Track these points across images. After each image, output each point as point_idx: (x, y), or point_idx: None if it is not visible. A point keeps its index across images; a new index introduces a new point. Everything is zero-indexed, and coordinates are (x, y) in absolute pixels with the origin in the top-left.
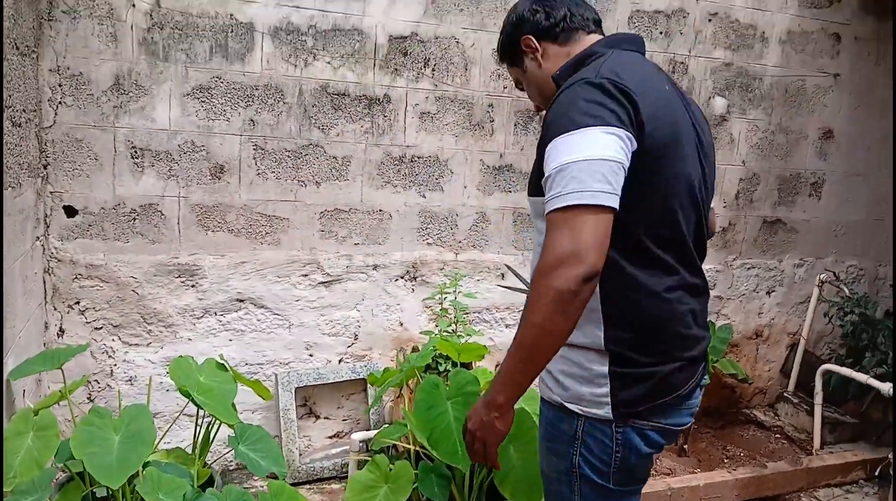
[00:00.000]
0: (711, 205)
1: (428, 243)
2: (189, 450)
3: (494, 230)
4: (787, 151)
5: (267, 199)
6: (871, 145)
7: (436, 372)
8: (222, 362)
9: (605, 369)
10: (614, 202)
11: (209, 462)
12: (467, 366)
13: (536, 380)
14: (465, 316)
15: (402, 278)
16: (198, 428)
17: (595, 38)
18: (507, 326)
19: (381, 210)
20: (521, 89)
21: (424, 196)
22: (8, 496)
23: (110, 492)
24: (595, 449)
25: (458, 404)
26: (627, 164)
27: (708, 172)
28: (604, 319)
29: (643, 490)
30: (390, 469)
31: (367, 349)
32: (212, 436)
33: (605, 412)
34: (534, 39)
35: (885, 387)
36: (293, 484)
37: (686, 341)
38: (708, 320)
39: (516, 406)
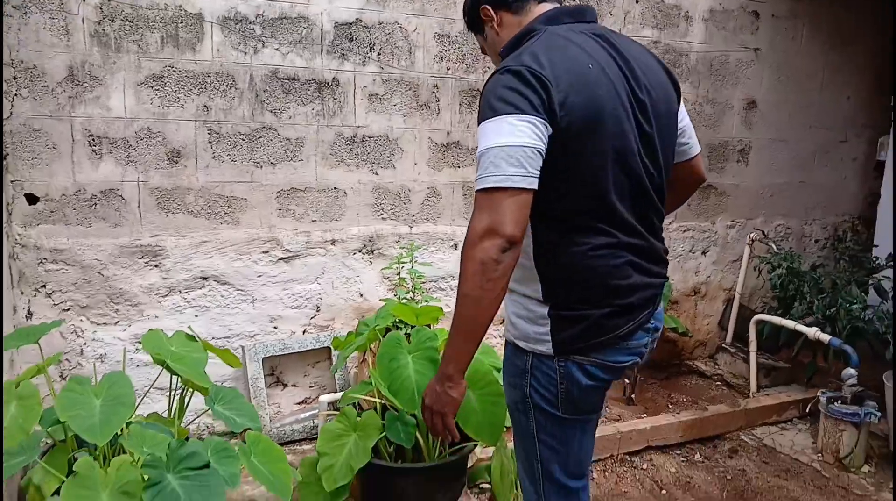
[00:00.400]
0: (691, 158)
1: (383, 218)
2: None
3: (446, 204)
4: (715, 121)
5: (224, 181)
6: (791, 113)
7: None
8: (191, 333)
9: (546, 311)
10: (528, 184)
11: (186, 425)
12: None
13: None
14: (421, 285)
15: (359, 251)
16: (172, 395)
17: (545, 7)
18: None
19: (335, 188)
20: (486, 55)
21: (377, 174)
22: None
23: (94, 452)
24: (542, 381)
25: (418, 358)
26: (544, 147)
27: (659, 139)
28: (539, 276)
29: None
30: (358, 419)
31: (330, 320)
32: (186, 403)
33: (548, 348)
34: (490, 9)
35: (812, 331)
36: None
37: (618, 290)
38: (662, 273)
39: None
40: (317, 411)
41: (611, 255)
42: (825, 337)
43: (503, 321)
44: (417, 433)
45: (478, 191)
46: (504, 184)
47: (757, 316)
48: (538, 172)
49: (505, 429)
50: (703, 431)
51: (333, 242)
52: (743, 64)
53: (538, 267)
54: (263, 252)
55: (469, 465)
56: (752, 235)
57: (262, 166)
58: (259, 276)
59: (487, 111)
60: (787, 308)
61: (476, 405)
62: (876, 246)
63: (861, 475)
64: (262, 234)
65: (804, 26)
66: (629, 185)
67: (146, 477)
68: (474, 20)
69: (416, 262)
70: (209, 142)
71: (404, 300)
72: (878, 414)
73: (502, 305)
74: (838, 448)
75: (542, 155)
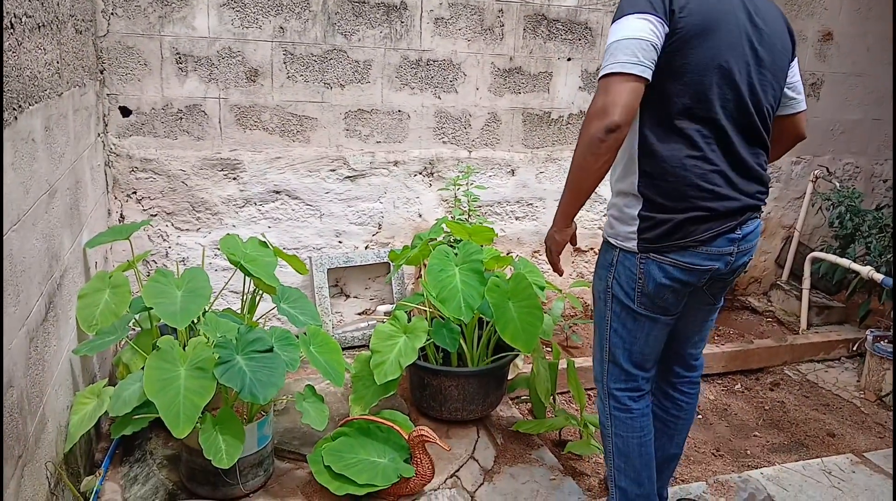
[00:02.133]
0: (796, 113)
1: (444, 142)
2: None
3: (505, 130)
4: None
5: (297, 100)
6: (870, 46)
7: None
8: (264, 240)
9: (636, 212)
10: (639, 71)
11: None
12: None
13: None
14: (477, 208)
15: (420, 173)
16: (244, 296)
17: None
18: (516, 218)
19: (400, 111)
20: None
21: (440, 98)
22: (91, 339)
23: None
24: (623, 275)
25: (465, 269)
26: (659, 42)
27: (771, 73)
28: (638, 170)
29: None
30: (408, 323)
31: (390, 237)
32: (256, 303)
33: (633, 245)
34: None
35: (865, 270)
36: None
37: (703, 195)
38: (755, 192)
39: (517, 271)
40: (375, 321)
41: (704, 160)
42: (878, 276)
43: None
44: (462, 341)
45: (599, 78)
46: (616, 69)
47: (813, 254)
48: (651, 63)
49: (539, 341)
50: (746, 363)
51: (396, 163)
52: None
53: (639, 160)
54: (331, 170)
55: (510, 377)
56: (816, 171)
57: (331, 87)
58: (327, 192)
59: (617, 12)
60: (845, 248)
61: (514, 314)
62: None
63: None
64: (330, 152)
65: None
66: (735, 102)
67: (217, 356)
68: None
69: (472, 184)
70: (284, 62)
71: (459, 219)
72: None
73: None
74: (881, 387)
75: (656, 49)
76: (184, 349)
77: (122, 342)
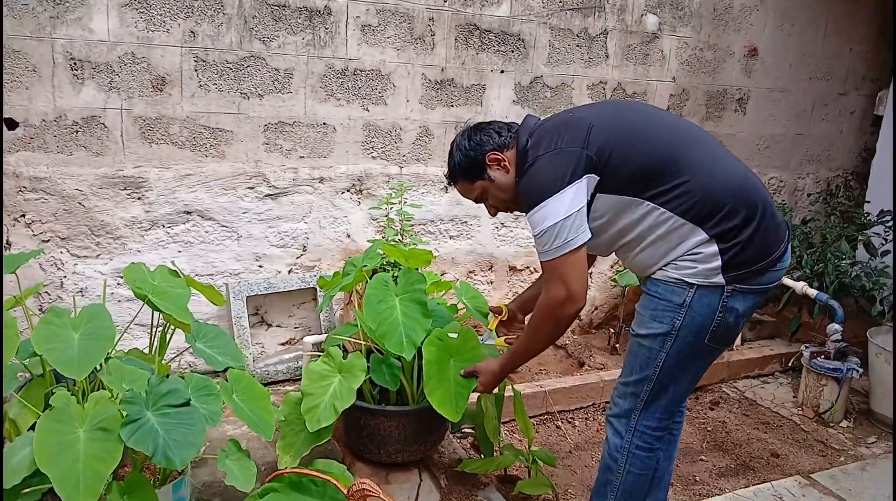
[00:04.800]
0: None
1: (373, 157)
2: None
3: (437, 144)
4: (715, 67)
5: (210, 111)
6: (793, 63)
7: None
8: (174, 267)
9: (714, 248)
10: (584, 237)
11: (167, 362)
12: None
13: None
14: (410, 227)
15: (348, 190)
16: (153, 331)
17: (525, 121)
18: (450, 237)
19: (325, 123)
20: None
21: (368, 110)
22: None
23: (72, 387)
24: (699, 312)
25: (406, 300)
26: (588, 195)
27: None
28: (693, 224)
29: (576, 384)
30: (344, 360)
31: (316, 260)
32: (167, 340)
33: (718, 280)
34: (497, 152)
35: (799, 286)
36: None
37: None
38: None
39: (461, 327)
40: (300, 352)
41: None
42: (812, 292)
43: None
44: (402, 377)
45: (546, 261)
46: (565, 250)
47: None
48: (585, 219)
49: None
50: None
51: (321, 180)
52: (746, 9)
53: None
54: (249, 188)
55: None
56: None
57: (249, 98)
58: (244, 212)
59: (538, 192)
60: None
61: (451, 375)
62: (868, 202)
63: (840, 429)
64: (248, 169)
65: None
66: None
67: (124, 414)
68: (474, 170)
69: (405, 203)
70: (195, 69)
71: (392, 241)
72: (860, 370)
73: (649, 252)
74: (818, 403)
75: (588, 204)
76: (83, 402)
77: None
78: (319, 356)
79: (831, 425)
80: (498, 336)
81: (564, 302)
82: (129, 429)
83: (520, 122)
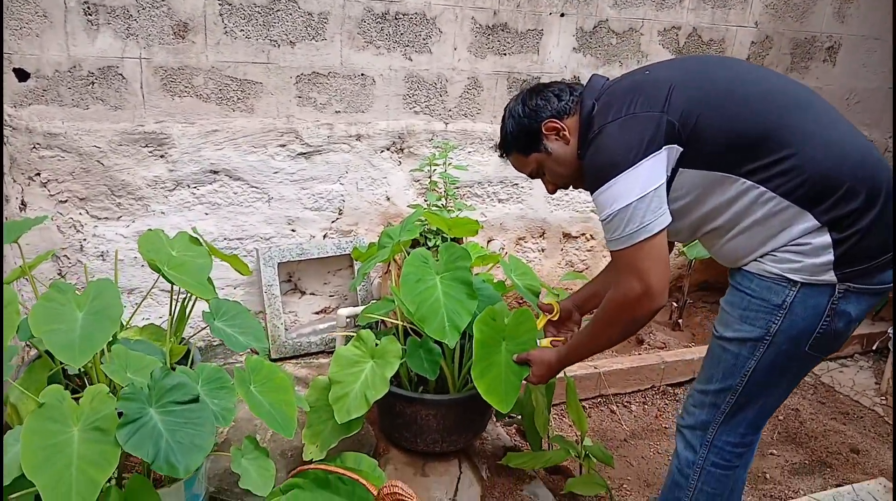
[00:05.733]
0: None
1: (415, 112)
2: (165, 327)
3: (487, 97)
4: (804, 11)
5: (237, 61)
6: (891, 6)
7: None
8: (195, 235)
9: (826, 239)
10: (664, 221)
11: (188, 338)
12: (458, 241)
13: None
14: (455, 190)
15: (388, 149)
16: (173, 303)
17: (591, 85)
18: (499, 200)
19: (363, 74)
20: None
21: (411, 59)
22: None
23: (81, 370)
24: (802, 314)
25: (447, 279)
26: (669, 172)
27: None
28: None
29: (634, 365)
30: (376, 345)
31: (353, 225)
32: (188, 312)
33: (829, 277)
34: (556, 120)
35: None
36: (279, 359)
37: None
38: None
39: (523, 310)
40: (335, 323)
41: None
42: None
43: None
44: (443, 362)
45: (618, 249)
46: (642, 236)
47: None
48: (665, 199)
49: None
50: None
51: (359, 137)
52: None
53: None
54: (281, 145)
55: None
56: None
57: (279, 45)
58: (276, 172)
59: (607, 169)
60: None
61: (503, 359)
62: None
63: None
64: (279, 124)
65: None
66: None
67: (123, 412)
68: (529, 141)
69: (450, 164)
70: (220, 14)
71: (435, 207)
72: None
73: (742, 239)
74: None
75: (668, 181)
76: (82, 398)
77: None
78: (353, 332)
79: (892, 406)
80: (546, 336)
81: (640, 299)
82: (127, 430)
83: (584, 81)
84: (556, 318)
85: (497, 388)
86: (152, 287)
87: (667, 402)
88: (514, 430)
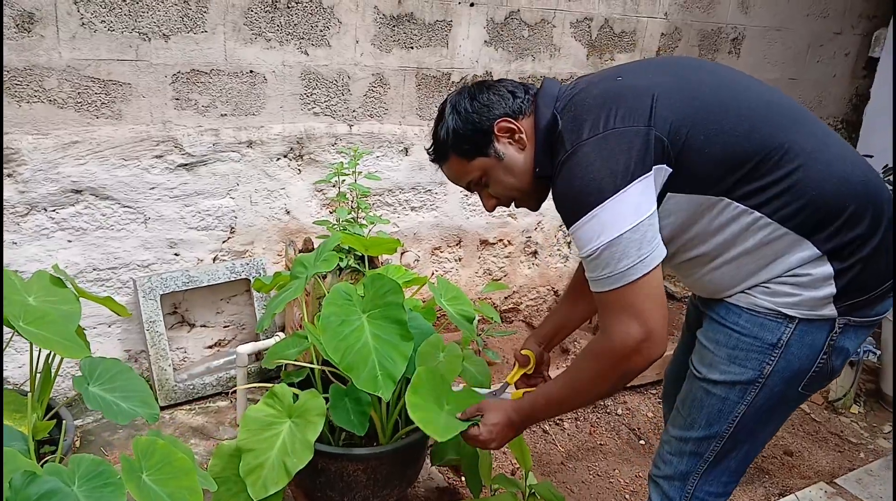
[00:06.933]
0: None
1: (315, 113)
2: (26, 385)
3: (395, 96)
4: (710, 2)
5: (99, 58)
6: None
7: (336, 270)
8: (57, 274)
9: (827, 269)
10: (660, 253)
11: (55, 398)
12: (372, 260)
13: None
14: (365, 201)
15: (285, 156)
16: (34, 364)
17: (545, 88)
18: (412, 208)
19: (252, 71)
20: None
21: (307, 53)
22: None
23: None
24: (798, 353)
25: (376, 317)
26: (656, 196)
27: None
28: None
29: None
30: (294, 400)
31: (248, 244)
32: (53, 371)
33: (829, 312)
34: (511, 119)
35: None
36: (169, 407)
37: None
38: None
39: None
40: (233, 357)
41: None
42: None
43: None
44: (373, 413)
45: (607, 291)
46: (636, 275)
47: None
48: (658, 228)
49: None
50: None
51: (250, 143)
52: None
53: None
54: (157, 157)
55: (431, 441)
56: None
57: (150, 39)
58: (152, 188)
59: (585, 196)
60: None
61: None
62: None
63: (852, 417)
64: (154, 132)
65: None
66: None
67: None
68: (476, 142)
69: (359, 174)
70: (75, 2)
71: (346, 222)
72: (878, 352)
73: (728, 269)
74: (829, 389)
75: (657, 210)
76: None
77: None
78: (256, 386)
79: (842, 412)
80: (517, 389)
81: (639, 347)
82: None
83: (493, 66)
84: (531, 371)
85: (435, 420)
86: (10, 338)
87: (598, 416)
88: (449, 470)
